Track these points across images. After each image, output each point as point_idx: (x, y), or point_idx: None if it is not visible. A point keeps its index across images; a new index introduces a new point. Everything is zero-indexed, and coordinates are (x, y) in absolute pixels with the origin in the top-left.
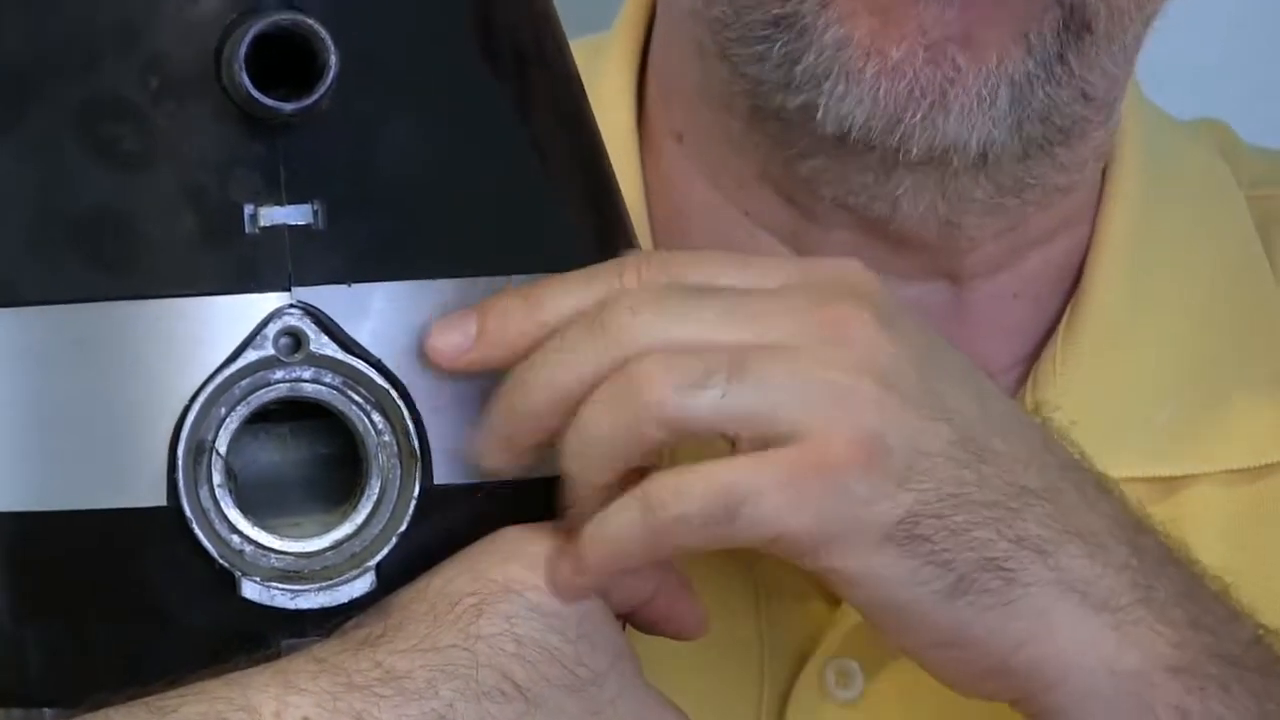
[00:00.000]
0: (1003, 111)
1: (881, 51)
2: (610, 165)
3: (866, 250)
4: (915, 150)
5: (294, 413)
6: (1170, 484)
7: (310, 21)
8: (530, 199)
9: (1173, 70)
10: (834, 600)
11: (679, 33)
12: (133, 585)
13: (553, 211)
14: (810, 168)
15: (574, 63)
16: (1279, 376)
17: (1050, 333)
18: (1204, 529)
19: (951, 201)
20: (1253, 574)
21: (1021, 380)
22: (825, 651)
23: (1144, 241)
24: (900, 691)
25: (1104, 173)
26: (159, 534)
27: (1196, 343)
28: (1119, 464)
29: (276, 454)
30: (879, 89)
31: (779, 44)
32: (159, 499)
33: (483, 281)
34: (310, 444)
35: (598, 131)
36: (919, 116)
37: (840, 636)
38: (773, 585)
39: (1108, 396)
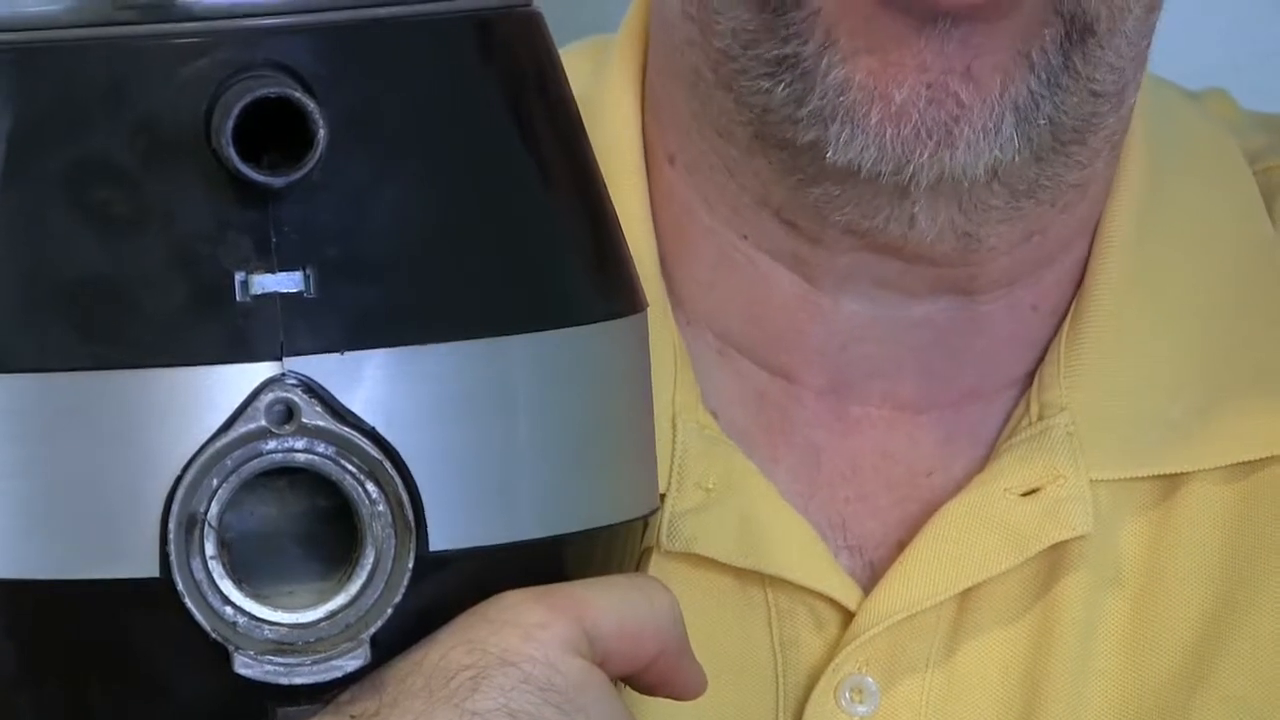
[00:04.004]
0: (1008, 136)
1: (884, 95)
2: (615, 215)
3: (873, 270)
4: (924, 182)
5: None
6: (1173, 481)
7: (298, 94)
8: (526, 259)
9: (1173, 70)
10: (848, 617)
11: (675, 60)
12: (127, 656)
13: (551, 271)
14: (820, 194)
15: (576, 110)
16: None
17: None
18: (1202, 526)
19: (969, 212)
20: (1247, 569)
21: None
22: (840, 668)
23: (1149, 233)
24: (915, 706)
25: None
26: (151, 606)
27: (1207, 333)
28: (1126, 464)
29: (271, 508)
30: (884, 134)
31: (783, 84)
32: (151, 570)
33: (476, 345)
34: (306, 498)
35: (601, 178)
36: (925, 156)
37: (855, 653)
38: (786, 604)
39: (1115, 394)
